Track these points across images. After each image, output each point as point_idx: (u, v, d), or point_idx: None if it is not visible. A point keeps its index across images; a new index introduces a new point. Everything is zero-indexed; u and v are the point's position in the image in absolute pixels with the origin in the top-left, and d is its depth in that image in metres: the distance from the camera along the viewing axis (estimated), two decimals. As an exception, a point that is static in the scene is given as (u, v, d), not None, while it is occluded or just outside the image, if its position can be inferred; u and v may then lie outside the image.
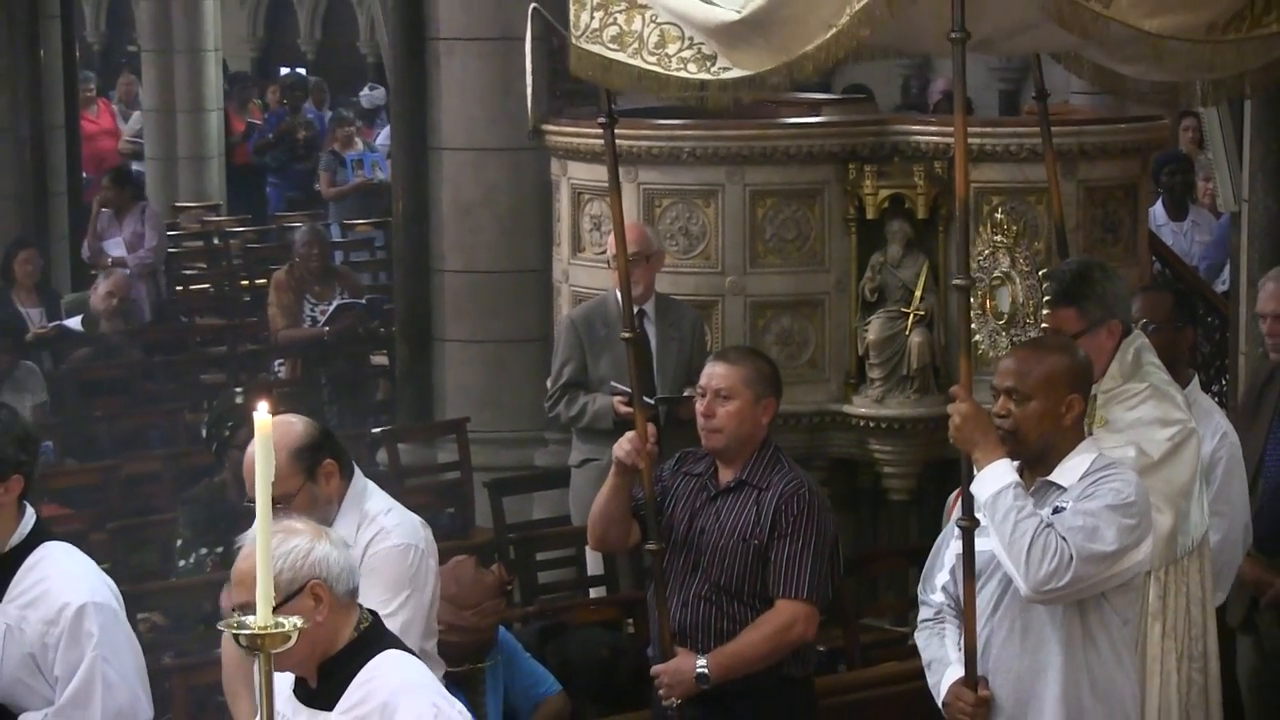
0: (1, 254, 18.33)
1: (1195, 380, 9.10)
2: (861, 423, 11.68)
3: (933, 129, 11.57)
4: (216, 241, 24.73)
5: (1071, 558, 6.67)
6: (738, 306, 11.65)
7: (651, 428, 8.31)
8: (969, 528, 7.01)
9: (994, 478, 6.90)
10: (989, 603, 7.06)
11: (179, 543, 11.99)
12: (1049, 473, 6.99)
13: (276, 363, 17.91)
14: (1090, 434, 7.58)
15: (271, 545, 5.31)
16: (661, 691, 8.13)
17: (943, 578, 7.31)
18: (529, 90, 9.82)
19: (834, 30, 7.41)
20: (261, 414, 4.99)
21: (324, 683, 5.67)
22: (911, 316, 11.50)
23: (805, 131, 11.69)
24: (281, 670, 5.57)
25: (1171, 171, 17.60)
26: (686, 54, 7.90)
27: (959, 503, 7.31)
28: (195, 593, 11.59)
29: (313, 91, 29.32)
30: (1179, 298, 9.30)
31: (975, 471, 7.02)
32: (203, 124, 28.21)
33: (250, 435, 11.87)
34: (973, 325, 8.34)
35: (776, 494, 8.10)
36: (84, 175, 22.97)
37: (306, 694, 5.68)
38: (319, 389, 17.51)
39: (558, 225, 12.66)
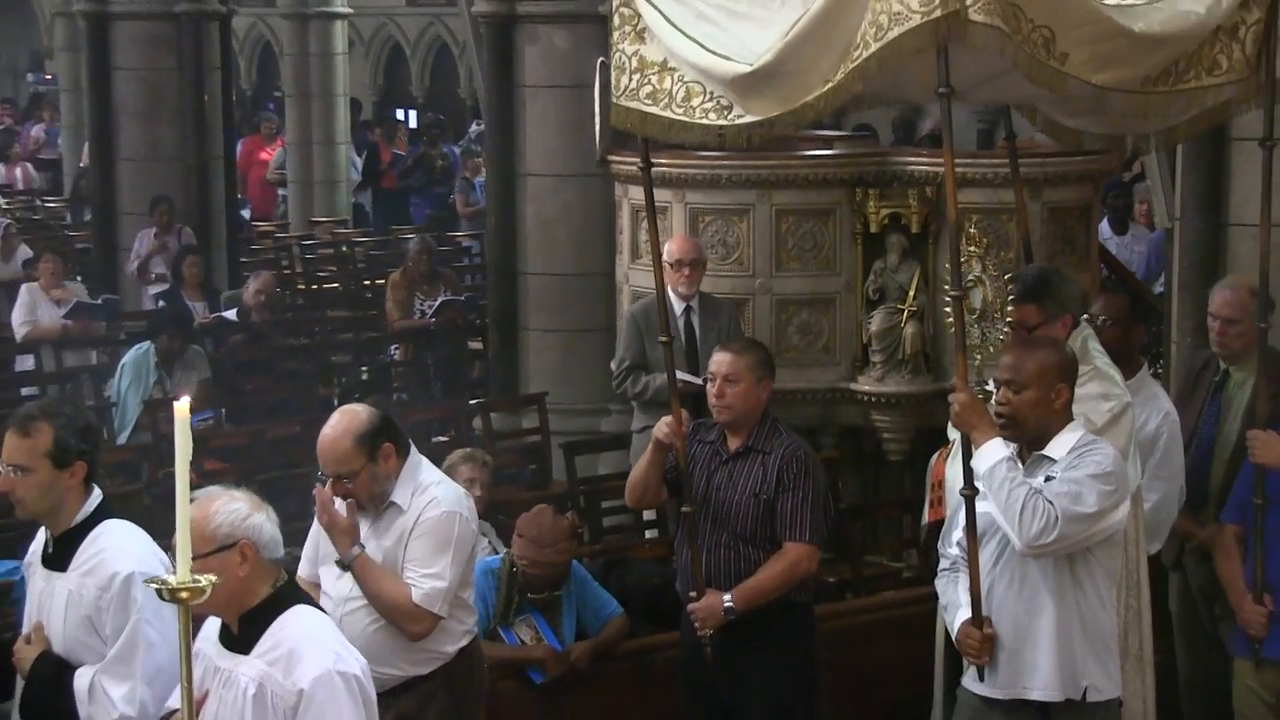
0: (174, 258, 18.42)
1: (1145, 367, 9.16)
2: (865, 398, 11.67)
3: (924, 160, 11.55)
4: (344, 249, 24.78)
5: (1058, 518, 6.73)
6: (765, 303, 11.70)
7: (685, 413, 8.37)
8: (971, 496, 7.09)
9: (990, 454, 6.98)
10: (991, 557, 7.12)
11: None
12: (1043, 449, 6.99)
13: (392, 347, 17.95)
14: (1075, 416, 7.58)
15: (219, 504, 5.70)
16: (696, 624, 8.15)
17: (957, 535, 7.32)
18: (597, 128, 9.83)
19: (830, 84, 7.49)
20: (181, 405, 5.13)
21: (243, 631, 5.63)
22: (906, 312, 11.51)
23: (821, 162, 11.68)
24: (202, 612, 5.58)
25: (1116, 195, 17.64)
26: (708, 105, 7.99)
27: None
28: (327, 532, 11.63)
29: (444, 130, 29.31)
30: (1133, 299, 9.33)
31: (974, 449, 7.05)
32: (334, 155, 28.41)
33: (377, 406, 11.91)
34: (949, 321, 8.52)
35: (778, 457, 8.16)
36: (239, 196, 23.04)
37: (229, 640, 5.65)
38: (426, 369, 17.56)
39: (620, 237, 12.70)
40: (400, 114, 34.49)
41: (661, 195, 11.92)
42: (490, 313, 16.10)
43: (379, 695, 7.10)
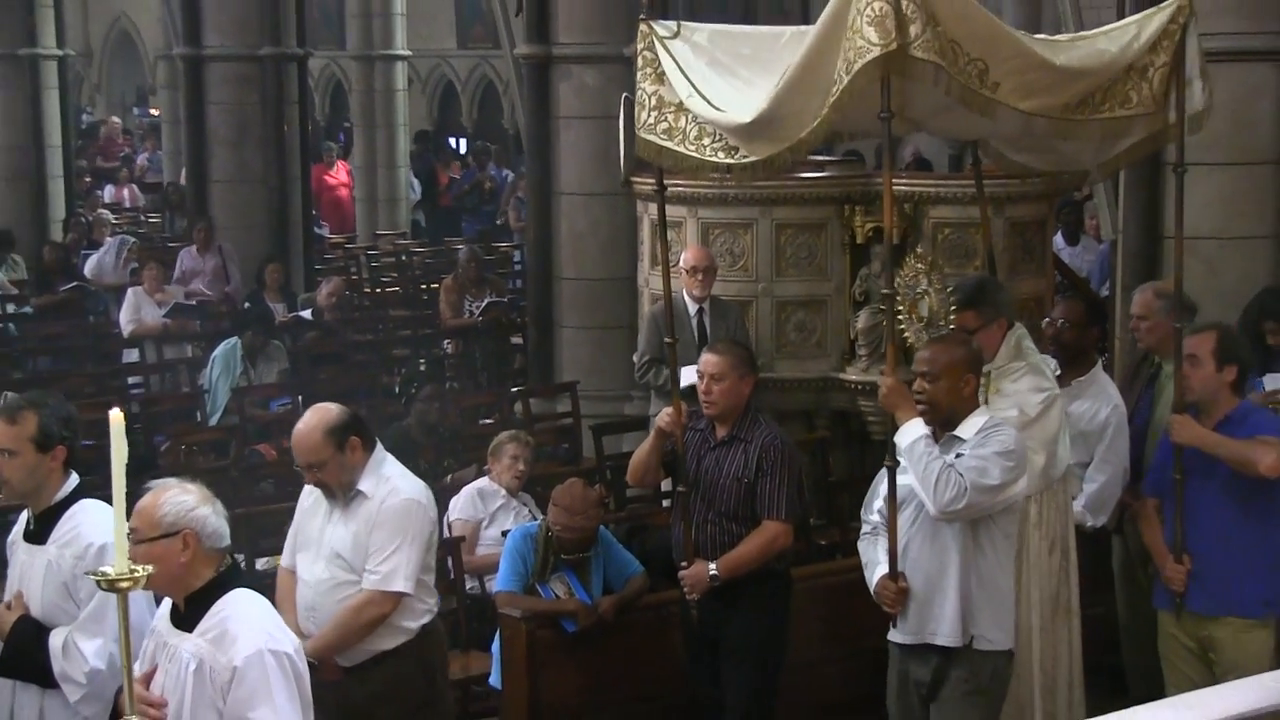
0: (257, 266, 18.45)
1: (1099, 364, 9.20)
2: (852, 386, 11.59)
3: (903, 181, 11.49)
4: (404, 258, 24.89)
5: (967, 488, 6.98)
6: (767, 304, 11.67)
7: (684, 405, 8.37)
8: (893, 467, 7.31)
9: (910, 431, 7.24)
10: (908, 521, 7.30)
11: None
12: (954, 430, 7.14)
13: (445, 342, 17.93)
14: (986, 401, 7.79)
15: (170, 495, 5.61)
16: (685, 589, 8.23)
17: (878, 503, 7.50)
18: (621, 155, 9.79)
19: (817, 121, 7.57)
20: (115, 413, 4.93)
21: (188, 610, 5.59)
22: (896, 308, 11.44)
23: (815, 182, 11.63)
24: (149, 590, 5.67)
25: (1068, 211, 17.61)
26: (717, 145, 8.19)
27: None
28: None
29: (495, 156, 29.35)
30: (1089, 304, 9.32)
31: (898, 426, 7.27)
32: (395, 176, 28.67)
33: (432, 394, 11.87)
34: (902, 326, 8.57)
35: (758, 445, 8.19)
36: (313, 212, 23.04)
37: (177, 618, 5.60)
38: (474, 361, 17.55)
39: (641, 247, 12.71)
40: (452, 141, 34.46)
41: (677, 211, 11.91)
42: (530, 312, 16.08)
43: (350, 669, 7.28)
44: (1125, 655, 9.30)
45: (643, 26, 8.40)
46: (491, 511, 10.51)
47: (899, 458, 7.29)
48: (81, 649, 6.21)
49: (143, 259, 19.73)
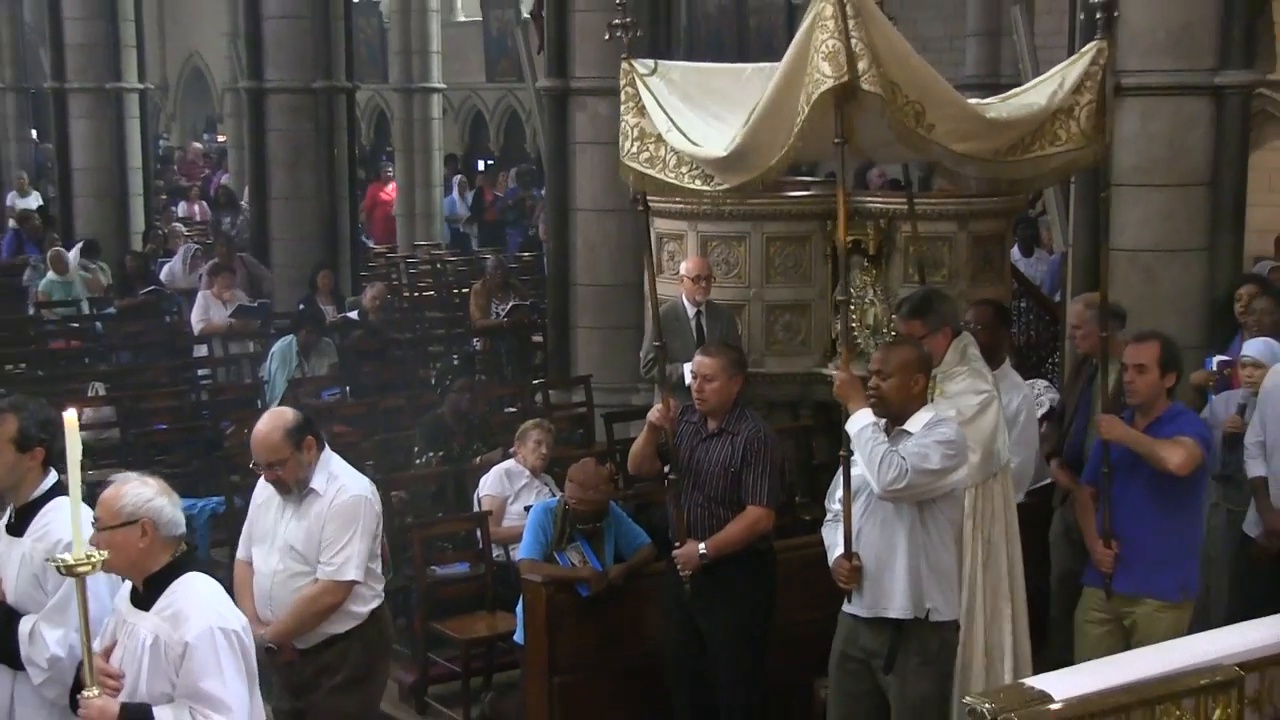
0: (310, 273, 18.41)
1: (1008, 362, 9.22)
2: (833, 379, 11.49)
3: (878, 200, 11.47)
4: (438, 266, 24.89)
5: (908, 470, 6.96)
6: (758, 308, 11.67)
7: (673, 402, 8.38)
8: (847, 458, 7.28)
9: (859, 420, 7.21)
10: (861, 507, 7.26)
11: (415, 449, 11.95)
12: (903, 425, 7.12)
13: (474, 340, 17.89)
14: (932, 400, 7.72)
15: (129, 488, 5.56)
16: (679, 567, 8.17)
17: (838, 494, 7.43)
18: (630, 178, 9.82)
19: (783, 150, 7.57)
20: (69, 415, 5.12)
21: (146, 591, 5.52)
22: (868, 311, 11.35)
23: (800, 200, 11.64)
24: (110, 573, 5.57)
25: (1024, 226, 17.60)
26: (695, 173, 8.23)
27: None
28: (426, 481, 11.57)
29: (535, 176, 29.36)
30: (998, 309, 9.31)
31: (849, 416, 7.25)
32: (430, 195, 28.89)
33: (464, 385, 11.72)
34: (853, 329, 9.23)
35: (744, 437, 8.14)
36: (359, 225, 23.07)
37: (136, 598, 5.54)
38: (500, 357, 17.53)
39: (647, 256, 12.61)
40: (480, 164, 34.49)
41: (679, 225, 12.00)
42: (549, 314, 16.02)
43: (304, 651, 7.20)
44: (1053, 610, 9.21)
45: (624, 65, 8.44)
46: (517, 489, 10.51)
47: (852, 447, 7.26)
48: (45, 637, 6.09)
49: (211, 265, 19.79)
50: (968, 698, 6.12)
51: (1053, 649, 8.82)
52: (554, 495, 9.95)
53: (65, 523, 5.66)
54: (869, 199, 12.00)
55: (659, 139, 8.26)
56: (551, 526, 9.16)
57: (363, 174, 29.62)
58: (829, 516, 7.60)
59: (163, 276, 21.10)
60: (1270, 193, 20.01)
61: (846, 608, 7.37)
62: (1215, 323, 11.18)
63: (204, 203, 32.20)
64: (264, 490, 7.38)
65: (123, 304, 20.13)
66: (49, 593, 6.12)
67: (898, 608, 7.16)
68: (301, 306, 17.17)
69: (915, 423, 7.12)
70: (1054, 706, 5.94)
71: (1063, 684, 6.10)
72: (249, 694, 5.55)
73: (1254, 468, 8.81)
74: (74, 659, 5.70)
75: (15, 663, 6.20)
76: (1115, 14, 8.24)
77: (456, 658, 9.71)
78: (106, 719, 5.32)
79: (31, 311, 20.14)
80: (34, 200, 28.33)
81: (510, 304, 17.85)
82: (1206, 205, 11.39)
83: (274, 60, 19.51)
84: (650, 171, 8.36)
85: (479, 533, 10.23)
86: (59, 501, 6.24)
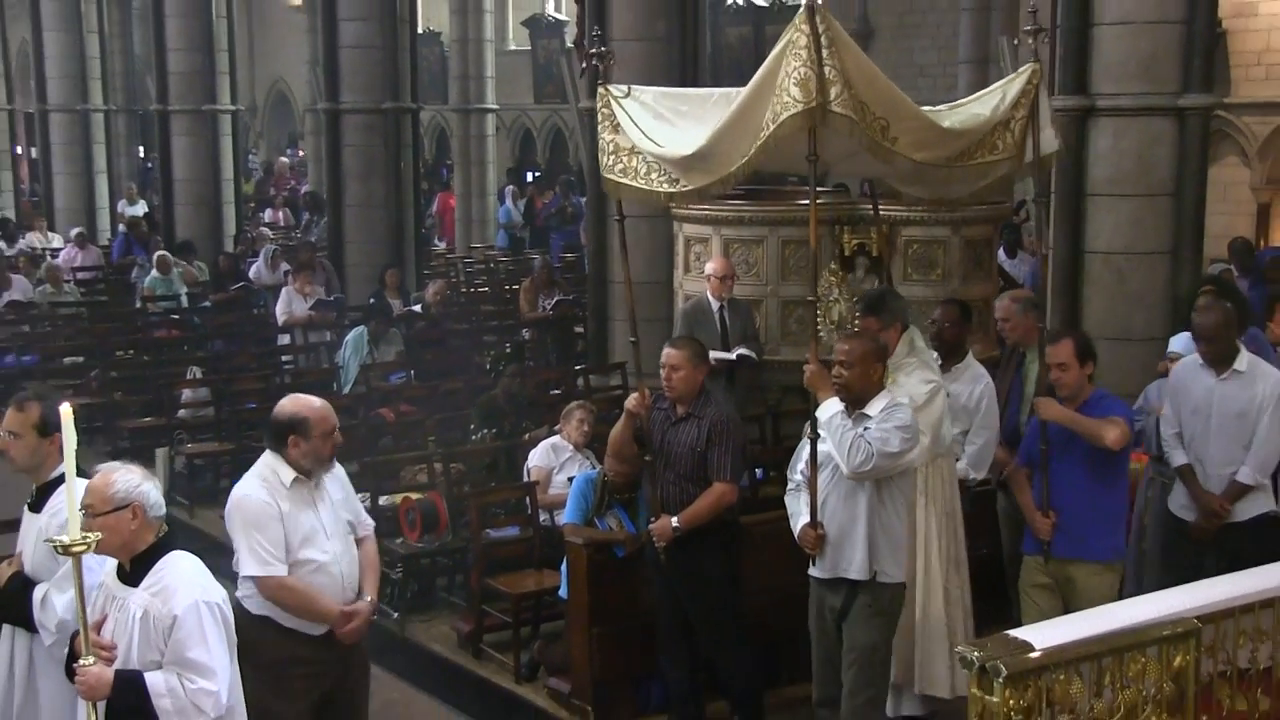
0: (380, 270, 18.42)
1: (970, 354, 9.09)
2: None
3: (882, 207, 11.32)
4: (492, 265, 24.93)
5: (873, 454, 7.04)
6: (775, 303, 11.63)
7: (647, 391, 8.35)
8: (815, 437, 7.29)
9: (829, 407, 7.27)
10: (826, 480, 7.31)
11: (471, 426, 11.94)
12: (863, 409, 7.14)
13: (524, 330, 17.87)
14: (885, 387, 7.63)
15: (118, 475, 5.43)
16: (654, 539, 8.15)
17: (801, 465, 7.47)
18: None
19: (745, 159, 7.58)
20: (65, 408, 5.00)
21: (134, 569, 5.40)
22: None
23: (808, 208, 11.51)
24: (103, 554, 5.44)
25: (1008, 231, 17.42)
26: (661, 178, 8.23)
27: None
28: (481, 454, 11.54)
29: (575, 187, 29.33)
30: (963, 308, 9.26)
31: (818, 403, 7.28)
32: (485, 203, 28.90)
33: (514, 371, 11.63)
34: (819, 325, 9.06)
35: (709, 421, 8.07)
36: (425, 229, 23.10)
37: (123, 576, 5.43)
38: (546, 345, 17.54)
39: (676, 257, 12.68)
40: (529, 176, 34.48)
41: (704, 230, 12.00)
42: (589, 308, 16.00)
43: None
44: (1009, 583, 9.07)
45: (600, 89, 8.46)
46: (561, 462, 10.47)
47: (820, 429, 7.27)
48: (53, 603, 6.03)
49: (293, 264, 19.89)
50: (959, 647, 6.17)
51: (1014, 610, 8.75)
52: (594, 468, 9.93)
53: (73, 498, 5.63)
54: (871, 207, 11.96)
55: (631, 151, 8.28)
56: (592, 495, 9.17)
57: (425, 185, 29.70)
58: (791, 486, 7.63)
59: (250, 274, 21.17)
60: (1225, 203, 19.96)
61: (811, 571, 7.41)
62: (1178, 318, 11.12)
63: (287, 209, 32.30)
64: (273, 504, 6.66)
65: (216, 298, 20.22)
66: (60, 563, 6.04)
67: (855, 569, 7.20)
68: (372, 300, 17.19)
69: (874, 406, 7.16)
70: (1034, 655, 5.93)
71: (1042, 635, 6.08)
72: (229, 661, 5.45)
73: (1176, 457, 8.64)
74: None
75: (32, 626, 6.16)
76: (1045, 39, 8.43)
77: (508, 610, 9.68)
78: (102, 685, 5.24)
79: (138, 305, 20.22)
80: (140, 208, 28.46)
81: (555, 299, 17.83)
82: (1170, 213, 11.37)
83: (348, 85, 19.54)
84: (624, 180, 8.36)
85: (528, 500, 10.21)
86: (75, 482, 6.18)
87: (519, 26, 34.98)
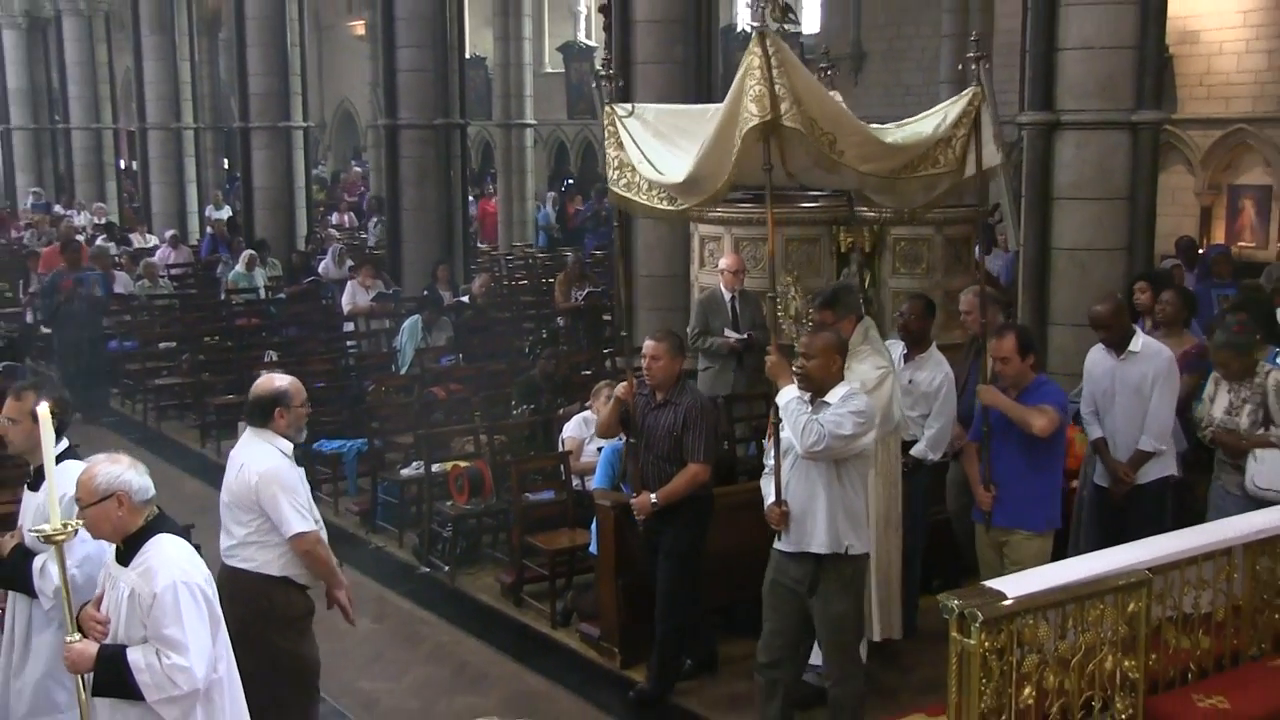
0: (432, 266, 18.44)
1: (934, 345, 8.93)
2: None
3: (872, 211, 11.27)
4: (531, 260, 24.89)
5: (825, 435, 6.77)
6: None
7: (635, 380, 8.27)
8: (777, 423, 7.02)
9: (787, 394, 7.00)
10: (789, 464, 7.07)
11: (513, 403, 11.94)
12: (824, 397, 6.90)
13: (558, 318, 17.86)
14: (845, 378, 7.48)
15: (100, 467, 5.20)
16: (635, 513, 8.13)
17: (771, 453, 7.22)
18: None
19: (726, 176, 7.47)
20: (43, 408, 5.06)
21: (125, 550, 5.19)
22: (861, 298, 11.23)
23: (811, 210, 11.45)
24: (98, 538, 5.35)
25: (983, 230, 17.23)
26: (661, 196, 8.06)
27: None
28: (521, 427, 11.54)
29: (606, 193, 29.42)
30: (926, 302, 9.07)
31: (778, 390, 7.07)
32: (524, 206, 28.89)
33: (550, 354, 11.60)
34: (780, 320, 8.90)
35: (684, 407, 8.03)
36: (470, 231, 23.09)
37: (118, 556, 5.24)
38: (578, 331, 17.48)
39: (693, 254, 12.63)
40: (564, 183, 34.43)
41: (717, 229, 11.90)
42: (616, 298, 15.99)
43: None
44: (957, 538, 9.12)
45: (607, 108, 8.29)
46: (591, 434, 10.45)
47: (782, 415, 7.07)
48: (51, 572, 5.83)
49: (358, 261, 19.95)
50: (940, 596, 6.11)
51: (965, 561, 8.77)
52: (622, 439, 9.90)
53: (69, 482, 5.47)
54: (865, 209, 11.83)
55: (634, 168, 8.13)
56: (618, 464, 9.16)
57: (473, 194, 29.71)
58: (765, 470, 7.40)
59: (319, 270, 21.28)
60: (1173, 205, 19.94)
61: (777, 545, 7.18)
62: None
63: (352, 213, 32.37)
64: (295, 469, 6.66)
65: (290, 291, 20.28)
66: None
67: (818, 544, 6.97)
68: (425, 292, 17.19)
69: (834, 395, 6.90)
70: (1006, 603, 5.93)
71: (1013, 585, 6.09)
72: (211, 637, 5.21)
73: (1092, 432, 8.68)
74: (75, 590, 5.41)
75: (32, 591, 6.03)
76: (987, 66, 8.26)
77: (545, 563, 9.69)
78: (85, 659, 5.11)
79: (223, 296, 20.27)
80: (225, 212, 28.55)
81: (586, 291, 17.81)
82: (1126, 215, 11.35)
83: (405, 103, 19.54)
84: (628, 195, 8.19)
85: (562, 468, 10.20)
86: (67, 464, 5.93)
87: (554, 51, 34.92)
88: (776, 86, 7.02)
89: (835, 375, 7.00)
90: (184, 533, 5.44)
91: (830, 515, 6.94)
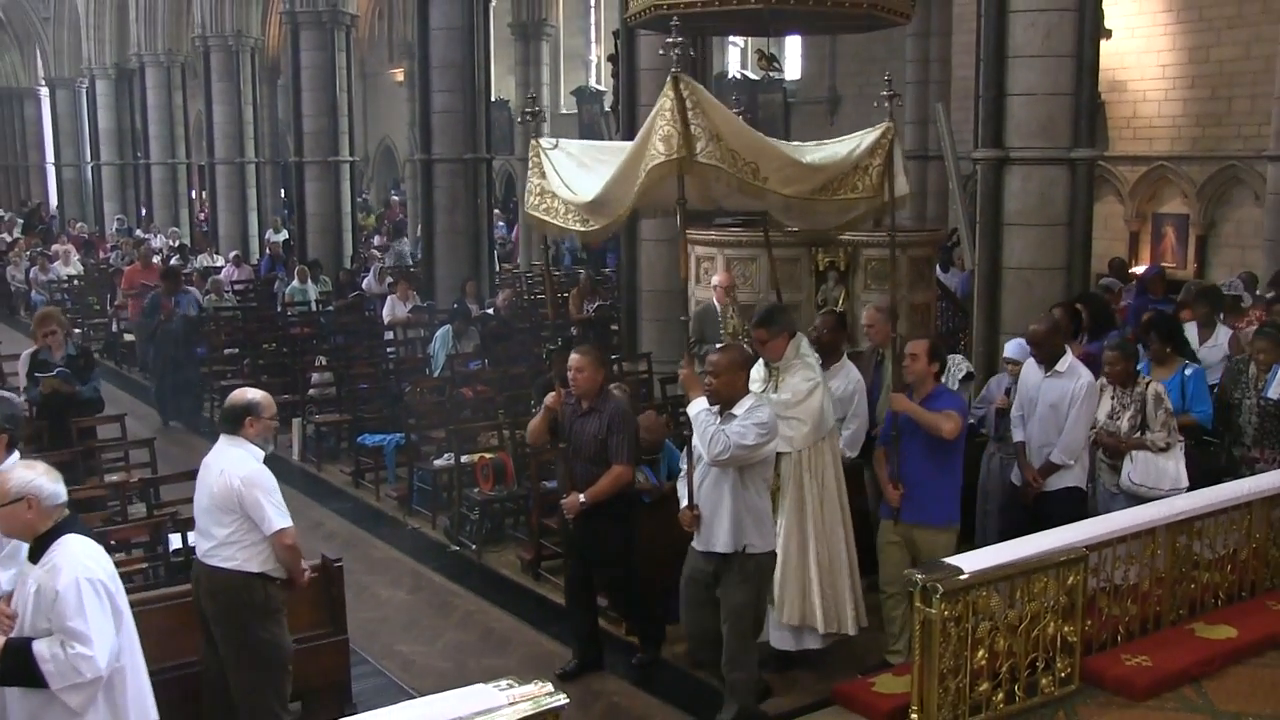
0: (461, 282, 18.41)
1: (845, 355, 8.75)
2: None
3: (846, 236, 11.24)
4: (544, 276, 24.74)
5: (730, 445, 6.58)
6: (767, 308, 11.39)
7: (563, 390, 7.92)
8: (689, 434, 6.88)
9: (696, 406, 6.80)
10: (700, 470, 6.88)
11: (532, 402, 11.91)
12: (731, 409, 6.70)
13: (572, 328, 17.79)
14: (775, 388, 7.49)
15: (15, 473, 5.05)
16: (565, 513, 7.91)
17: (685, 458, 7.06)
18: (678, 217, 9.66)
19: (629, 204, 7.25)
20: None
21: (35, 549, 4.96)
22: (837, 312, 11.13)
23: (793, 234, 11.27)
24: (9, 536, 5.19)
25: (944, 251, 17.26)
26: (575, 218, 7.72)
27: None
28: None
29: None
30: (839, 317, 8.93)
31: (689, 402, 6.90)
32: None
33: (564, 360, 11.63)
34: (721, 335, 8.64)
35: (607, 413, 7.76)
36: (503, 249, 23.09)
37: (30, 554, 4.99)
38: (589, 339, 17.39)
39: (689, 270, 12.55)
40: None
41: (711, 250, 11.81)
42: (623, 311, 15.95)
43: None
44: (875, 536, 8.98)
45: (533, 142, 8.05)
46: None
47: (694, 425, 6.84)
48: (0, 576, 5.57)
49: (396, 278, 19.93)
50: (906, 570, 6.10)
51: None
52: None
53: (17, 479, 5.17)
54: (839, 234, 11.87)
55: (553, 194, 7.84)
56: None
57: (504, 219, 29.67)
58: (680, 474, 7.24)
59: (363, 285, 21.26)
60: (1106, 231, 19.99)
61: (693, 544, 7.02)
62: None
63: (405, 239, 32.44)
64: (270, 472, 6.49)
65: (338, 304, 20.23)
66: (2, 544, 5.56)
67: (722, 544, 6.80)
68: (455, 305, 17.13)
69: (740, 407, 6.69)
70: (963, 577, 5.93)
71: (969, 562, 6.09)
72: (115, 628, 4.93)
73: (1016, 434, 8.48)
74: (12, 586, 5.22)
75: None
76: (900, 104, 8.16)
77: (560, 542, 9.67)
78: None
79: (280, 308, 20.26)
80: (282, 235, 28.61)
81: (596, 304, 17.81)
82: (1065, 239, 11.32)
83: (438, 140, 19.48)
84: (545, 218, 7.90)
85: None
86: (12, 462, 5.77)
87: (569, 95, 34.87)
88: (692, 127, 6.83)
89: (741, 389, 6.78)
90: (91, 533, 5.19)
91: (735, 517, 6.76)
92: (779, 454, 7.31)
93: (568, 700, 4.48)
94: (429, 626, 9.03)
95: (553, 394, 7.88)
